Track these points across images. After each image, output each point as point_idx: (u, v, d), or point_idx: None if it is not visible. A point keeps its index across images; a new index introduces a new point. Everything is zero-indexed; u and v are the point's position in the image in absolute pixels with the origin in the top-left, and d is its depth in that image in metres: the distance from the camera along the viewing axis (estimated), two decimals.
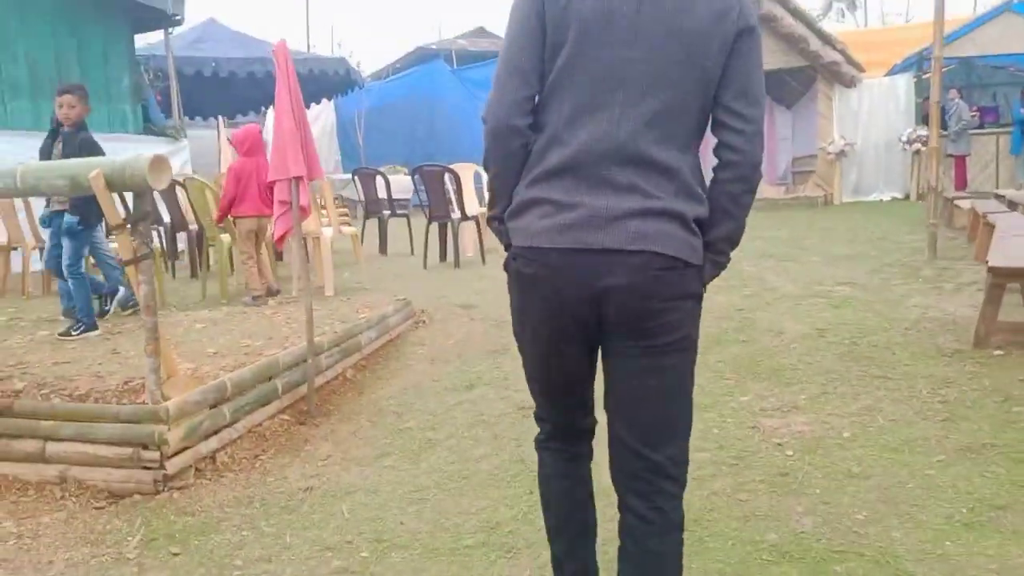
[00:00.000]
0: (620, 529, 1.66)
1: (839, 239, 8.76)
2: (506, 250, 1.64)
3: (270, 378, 3.82)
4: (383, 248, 9.33)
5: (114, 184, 3.13)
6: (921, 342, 4.38)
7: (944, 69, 16.17)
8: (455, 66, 21.89)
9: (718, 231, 1.56)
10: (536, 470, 1.86)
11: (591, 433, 1.81)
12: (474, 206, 9.15)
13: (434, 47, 23.38)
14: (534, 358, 1.70)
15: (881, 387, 3.72)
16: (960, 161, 13.20)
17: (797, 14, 13.75)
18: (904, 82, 13.82)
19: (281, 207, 4.05)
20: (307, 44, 26.09)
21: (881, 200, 14.00)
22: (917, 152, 13.42)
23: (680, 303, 1.54)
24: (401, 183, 17.70)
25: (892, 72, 14.37)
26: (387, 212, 9.33)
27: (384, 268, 8.20)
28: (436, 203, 7.84)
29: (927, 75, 14.48)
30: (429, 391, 4.18)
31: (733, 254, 1.66)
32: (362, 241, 9.34)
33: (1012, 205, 9.03)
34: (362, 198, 9.47)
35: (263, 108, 18.87)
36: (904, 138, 13.39)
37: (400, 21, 50.81)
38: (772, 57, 14.04)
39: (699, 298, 1.60)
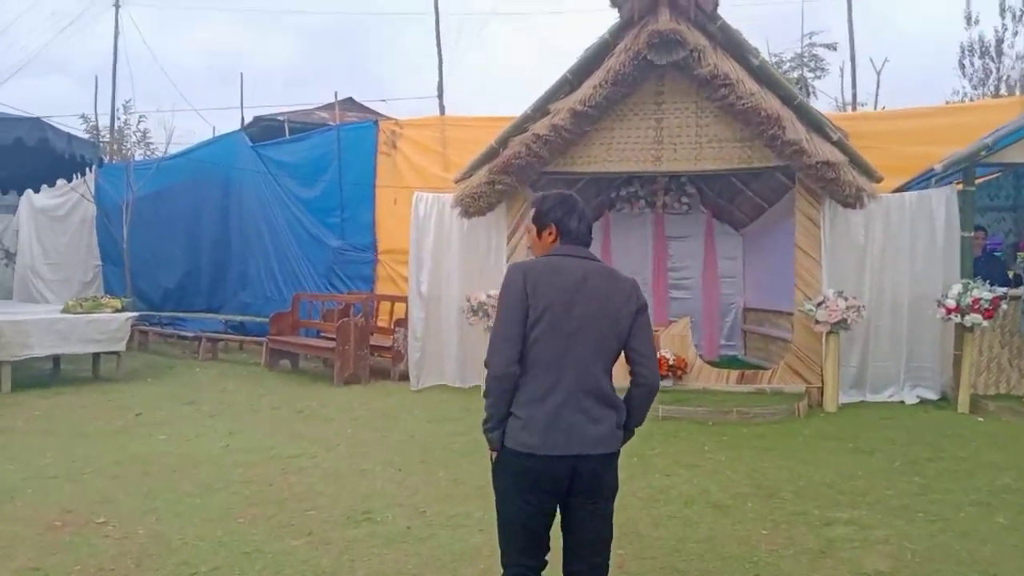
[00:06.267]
0: None
1: None
2: (493, 450, 2.63)
3: None
4: None
5: None
6: None
7: (979, 180, 10.30)
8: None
9: (631, 422, 2.68)
10: None
11: None
12: None
13: (281, 118, 17.00)
14: (519, 517, 2.60)
15: None
16: None
17: (763, 75, 7.87)
18: (943, 200, 7.99)
19: None
20: (94, 110, 18.97)
21: (903, 403, 7.97)
22: (971, 329, 7.48)
23: (614, 471, 2.64)
24: (102, 328, 10.43)
25: (915, 184, 8.59)
26: None
27: None
28: None
29: (983, 179, 8.45)
30: None
31: None
32: None
33: None
34: None
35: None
36: (950, 300, 7.46)
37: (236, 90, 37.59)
38: (713, 150, 8.03)
39: (618, 456, 2.65)
